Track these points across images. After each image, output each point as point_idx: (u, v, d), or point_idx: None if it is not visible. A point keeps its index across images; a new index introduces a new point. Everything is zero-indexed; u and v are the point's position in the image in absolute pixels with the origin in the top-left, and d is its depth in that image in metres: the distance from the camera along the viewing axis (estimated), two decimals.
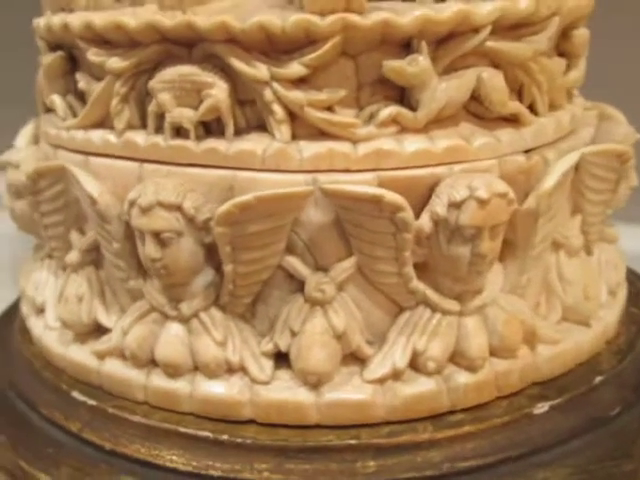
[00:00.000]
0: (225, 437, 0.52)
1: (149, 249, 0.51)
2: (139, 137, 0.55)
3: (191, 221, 0.51)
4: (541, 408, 0.54)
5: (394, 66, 0.50)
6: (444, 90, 0.51)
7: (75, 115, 0.60)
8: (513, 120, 0.54)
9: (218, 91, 0.52)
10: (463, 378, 0.53)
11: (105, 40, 0.55)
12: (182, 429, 0.53)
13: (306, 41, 0.50)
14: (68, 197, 0.59)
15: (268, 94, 0.51)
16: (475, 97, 0.53)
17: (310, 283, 0.51)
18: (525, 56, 0.53)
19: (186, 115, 0.53)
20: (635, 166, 0.64)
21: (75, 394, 0.58)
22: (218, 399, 0.53)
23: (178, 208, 0.51)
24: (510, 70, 0.54)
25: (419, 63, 0.50)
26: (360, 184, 0.50)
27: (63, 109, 0.61)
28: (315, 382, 0.52)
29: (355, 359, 0.53)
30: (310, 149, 0.51)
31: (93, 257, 0.59)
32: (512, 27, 0.53)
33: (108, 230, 0.55)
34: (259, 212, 0.49)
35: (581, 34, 0.59)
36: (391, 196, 0.49)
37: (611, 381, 0.57)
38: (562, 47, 0.59)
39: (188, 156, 0.53)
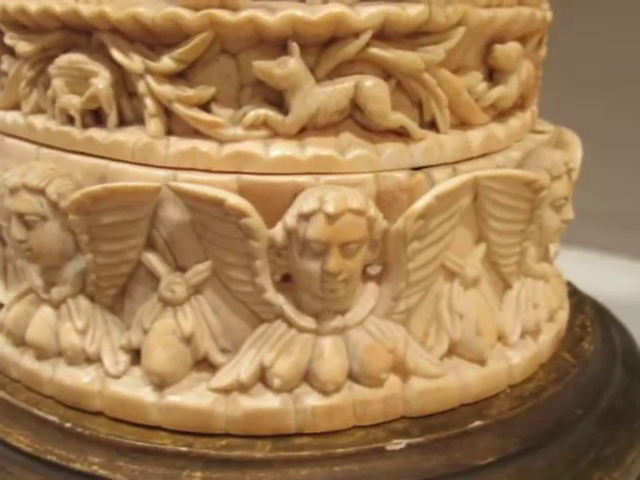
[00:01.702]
0: (68, 425, 0.52)
1: (14, 230, 0.52)
2: (38, 121, 0.56)
3: (55, 206, 0.51)
4: (396, 445, 0.50)
5: (262, 67, 0.48)
6: (315, 96, 0.48)
7: None
8: (404, 134, 0.51)
9: (100, 81, 0.52)
10: (313, 400, 0.50)
11: (19, 24, 0.56)
12: (36, 411, 0.53)
13: (179, 35, 0.49)
14: None
15: (142, 87, 0.50)
16: (359, 107, 0.50)
17: (163, 282, 0.50)
18: (414, 66, 0.49)
19: (73, 102, 0.53)
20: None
21: None
22: (70, 386, 0.53)
23: (41, 192, 0.51)
24: (405, 81, 0.51)
25: (288, 65, 0.48)
26: (218, 186, 0.48)
27: None
28: (158, 382, 0.51)
29: (209, 366, 0.52)
30: (176, 146, 0.50)
31: (1, 234, 0.61)
32: (406, 36, 0.49)
33: None
34: (111, 204, 0.49)
35: (505, 49, 0.54)
36: (234, 200, 0.47)
37: (493, 428, 0.52)
38: (488, 61, 0.55)
39: (71, 142, 0.54)
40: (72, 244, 0.53)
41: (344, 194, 0.47)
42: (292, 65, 0.48)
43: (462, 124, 0.54)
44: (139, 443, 0.50)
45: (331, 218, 0.46)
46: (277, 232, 0.48)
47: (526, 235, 0.55)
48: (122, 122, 0.53)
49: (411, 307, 0.52)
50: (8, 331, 0.56)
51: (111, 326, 0.54)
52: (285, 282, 0.51)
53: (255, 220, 0.47)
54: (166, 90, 0.50)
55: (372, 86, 0.49)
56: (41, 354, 0.55)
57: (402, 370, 0.52)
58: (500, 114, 0.57)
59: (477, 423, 0.52)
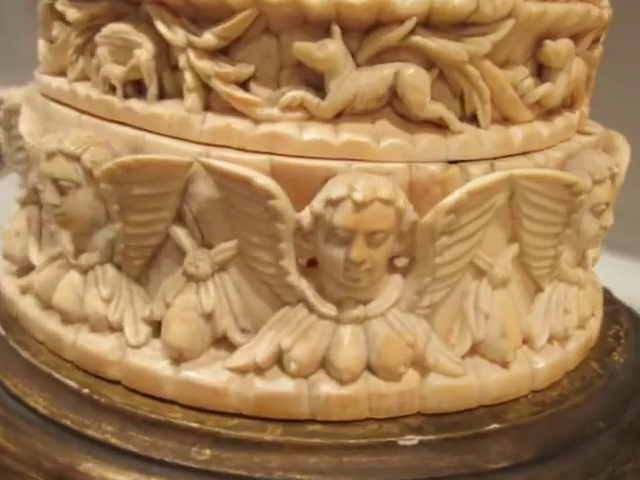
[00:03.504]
0: (86, 391, 0.52)
1: (48, 194, 0.53)
2: (81, 88, 0.57)
3: (89, 174, 0.52)
4: (409, 440, 0.49)
5: (302, 48, 0.47)
6: (353, 81, 0.48)
7: None
8: (442, 126, 0.50)
9: (142, 52, 0.52)
10: (328, 388, 0.50)
11: None
12: (55, 374, 0.54)
13: (223, 11, 0.49)
14: None
15: (182, 60, 0.50)
16: (399, 95, 0.49)
17: (188, 257, 0.50)
18: (457, 57, 0.48)
19: (115, 72, 0.54)
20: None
21: None
22: (91, 353, 0.54)
23: (77, 159, 0.52)
24: (448, 72, 0.49)
25: (328, 48, 0.47)
26: (250, 166, 0.48)
27: (43, 54, 0.63)
28: (176, 357, 0.51)
29: (229, 344, 0.52)
30: (211, 122, 0.50)
31: (39, 197, 0.62)
32: (452, 26, 0.48)
33: (36, 172, 0.57)
34: (142, 175, 0.49)
35: (555, 45, 0.52)
36: (262, 180, 0.46)
37: (509, 432, 0.51)
38: (537, 56, 0.53)
39: (111, 112, 0.54)
40: (103, 213, 0.53)
41: (374, 182, 0.46)
42: (332, 48, 0.47)
43: (504, 120, 0.52)
44: (152, 415, 0.50)
45: (358, 206, 0.45)
46: (304, 216, 0.48)
47: (561, 239, 0.54)
48: (163, 95, 0.53)
49: (436, 302, 0.51)
50: (37, 293, 0.57)
51: (135, 296, 0.54)
52: (310, 267, 0.50)
53: (282, 202, 0.47)
54: (205, 65, 0.49)
55: (412, 75, 0.48)
56: (65, 318, 0.56)
57: (421, 365, 0.51)
58: (546, 112, 0.55)
59: (493, 426, 0.51)
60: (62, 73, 0.60)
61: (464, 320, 0.53)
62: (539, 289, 0.56)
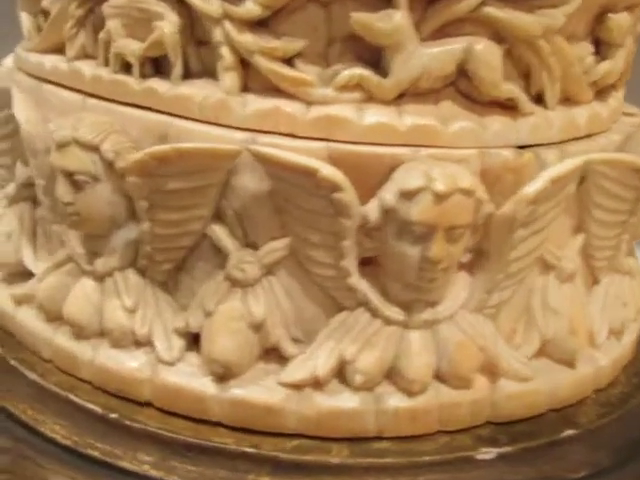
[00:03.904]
0: (114, 416, 0.46)
1: (60, 190, 0.45)
2: (86, 67, 0.49)
3: (110, 166, 0.45)
4: (486, 454, 0.45)
5: (362, 19, 0.42)
6: (421, 57, 0.42)
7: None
8: (510, 107, 0.45)
9: (166, 24, 0.45)
10: (396, 401, 0.45)
11: None
12: (73, 397, 0.47)
13: None
14: (17, 124, 0.54)
15: (218, 34, 0.44)
16: (466, 73, 0.44)
17: (232, 259, 0.44)
18: (533, 31, 0.43)
19: (131, 47, 0.47)
20: None
21: None
22: (116, 371, 0.47)
23: (95, 149, 0.44)
24: (516, 48, 0.45)
25: (392, 19, 0.42)
26: (305, 153, 0.42)
27: (28, 29, 0.55)
28: (221, 373, 0.45)
29: (278, 356, 0.46)
30: (255, 104, 0.44)
31: (31, 193, 0.54)
32: None
33: (34, 164, 0.49)
34: (179, 167, 0.43)
35: (618, 19, 0.48)
36: (329, 171, 0.41)
37: (585, 438, 0.48)
38: (596, 33, 0.49)
39: (128, 94, 0.47)
40: (124, 210, 0.47)
41: (453, 171, 0.41)
42: (398, 19, 0.42)
43: (566, 100, 0.48)
44: (197, 441, 0.44)
45: (439, 198, 0.40)
46: (371, 210, 0.42)
47: (626, 227, 0.50)
48: (186, 74, 0.46)
49: (503, 301, 0.47)
50: (40, 304, 0.50)
51: (163, 305, 0.47)
52: (365, 265, 0.45)
53: (349, 195, 0.41)
54: (247, 40, 0.43)
55: (484, 50, 0.43)
56: (80, 332, 0.48)
57: (491, 370, 0.46)
58: (600, 92, 0.51)
59: (568, 432, 0.47)
60: (57, 50, 0.52)
61: (530, 318, 0.48)
62: (595, 281, 0.52)
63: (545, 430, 0.47)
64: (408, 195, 0.41)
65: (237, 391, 0.45)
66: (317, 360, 0.44)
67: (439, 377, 0.46)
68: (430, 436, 0.46)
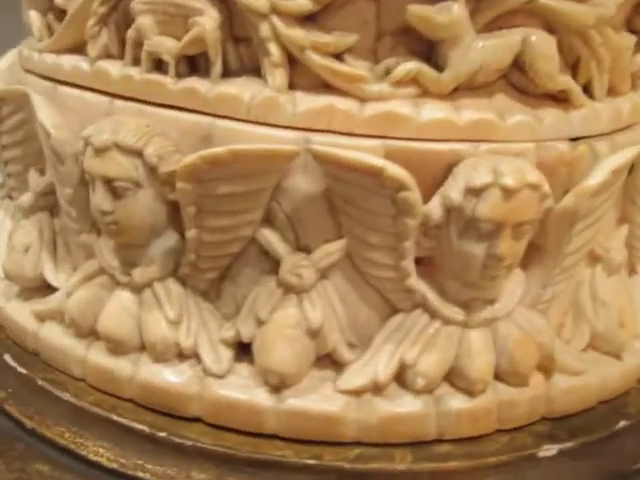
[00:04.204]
0: (163, 434, 0.43)
1: (99, 198, 0.43)
2: (112, 67, 0.47)
3: (153, 171, 0.42)
4: (548, 451, 0.44)
5: (420, 12, 0.40)
6: (479, 50, 0.41)
7: (52, 36, 0.52)
8: (561, 99, 0.44)
9: (207, 20, 0.43)
10: (458, 402, 0.44)
11: None
12: (116, 417, 0.45)
13: None
14: (30, 129, 0.51)
15: (265, 30, 0.42)
16: (519, 65, 0.43)
17: (286, 264, 0.42)
18: (586, 21, 0.43)
19: (167, 45, 0.44)
20: None
21: (7, 357, 0.50)
22: (161, 387, 0.44)
23: (138, 154, 0.42)
24: (566, 38, 0.44)
25: (451, 12, 0.40)
26: (362, 152, 0.40)
27: (39, 28, 0.52)
28: (277, 383, 0.43)
29: (332, 362, 0.44)
30: (306, 102, 0.42)
31: (50, 202, 0.51)
32: None
33: (61, 172, 0.46)
34: (233, 170, 0.41)
35: None
36: (394, 170, 0.39)
37: (636, 428, 0.47)
38: (633, 23, 0.49)
39: (163, 94, 0.44)
40: (164, 217, 0.44)
41: (520, 166, 0.40)
42: (456, 11, 0.41)
43: (609, 91, 0.48)
44: (256, 455, 0.42)
45: (509, 193, 0.39)
46: (434, 208, 0.41)
47: None
48: (223, 73, 0.44)
49: (556, 295, 0.46)
50: (71, 320, 0.47)
51: (207, 316, 0.45)
52: (419, 265, 0.44)
53: (415, 194, 0.40)
54: (298, 35, 0.41)
55: (541, 41, 0.42)
56: (118, 348, 0.46)
57: (546, 366, 0.46)
58: (634, 81, 0.51)
59: (621, 424, 0.47)
60: (74, 50, 0.49)
61: (578, 312, 0.48)
62: (634, 270, 0.52)
63: (599, 423, 0.47)
64: (475, 192, 0.40)
65: (294, 401, 0.43)
66: (377, 365, 0.43)
67: (497, 376, 0.45)
68: (489, 436, 0.45)
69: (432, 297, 0.43)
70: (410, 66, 0.42)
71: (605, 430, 0.46)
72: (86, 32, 0.47)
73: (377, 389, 0.43)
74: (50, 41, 0.50)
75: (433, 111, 0.42)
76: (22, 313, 0.51)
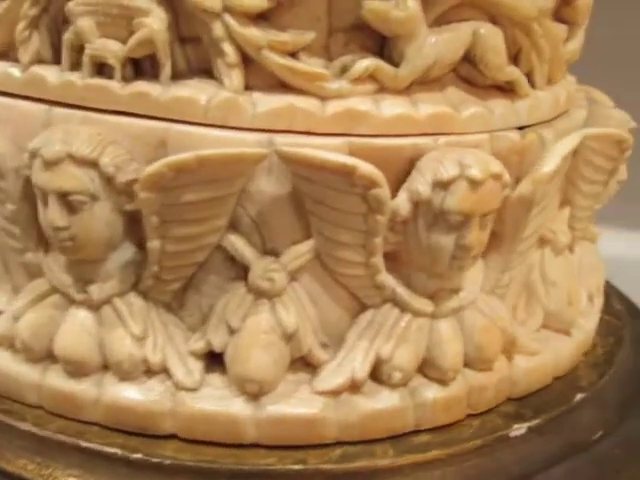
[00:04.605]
0: (138, 456, 0.41)
1: (53, 214, 0.40)
2: (49, 73, 0.44)
3: (109, 182, 0.40)
4: (518, 430, 0.46)
5: (376, 8, 0.40)
6: (434, 45, 0.42)
7: None
8: (507, 90, 0.46)
9: (154, 21, 0.41)
10: (432, 393, 0.44)
11: None
12: (84, 443, 0.42)
13: None
14: None
15: (218, 29, 0.41)
16: (468, 58, 0.44)
17: (256, 269, 0.41)
18: (529, 13, 0.44)
19: (111, 48, 0.42)
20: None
21: None
22: (132, 407, 0.42)
23: (94, 164, 0.40)
24: (509, 30, 0.45)
25: (408, 7, 0.41)
26: (327, 150, 0.40)
27: None
28: (255, 392, 0.42)
29: (304, 364, 0.44)
30: (266, 103, 0.41)
31: None
32: None
33: (1, 187, 0.43)
34: (199, 176, 0.39)
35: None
36: (366, 168, 0.39)
37: (591, 400, 0.50)
38: (562, 13, 0.51)
39: (111, 100, 0.42)
40: (120, 229, 0.42)
41: (482, 157, 0.41)
42: (412, 6, 0.41)
43: (547, 80, 0.49)
44: (240, 467, 0.41)
45: (476, 185, 0.40)
46: (402, 203, 0.41)
47: (601, 197, 0.53)
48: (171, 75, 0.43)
49: (512, 279, 0.48)
50: (23, 344, 0.44)
51: (171, 328, 0.44)
52: (386, 260, 0.44)
53: (386, 191, 0.40)
54: (254, 34, 0.40)
55: (490, 34, 0.43)
56: (78, 369, 0.43)
57: (508, 350, 0.47)
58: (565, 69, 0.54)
59: (579, 397, 0.49)
60: (2, 56, 0.46)
61: (530, 293, 0.50)
62: (571, 250, 0.55)
63: (558, 398, 0.49)
64: (443, 185, 0.40)
65: (273, 408, 0.42)
66: (353, 363, 0.43)
67: (465, 363, 0.46)
68: (462, 422, 0.46)
69: (401, 291, 0.43)
70: (368, 63, 0.41)
71: (565, 404, 0.49)
72: (16, 36, 0.44)
73: (354, 387, 0.43)
74: None
75: (392, 107, 0.42)
76: None
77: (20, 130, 0.44)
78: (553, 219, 0.50)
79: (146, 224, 0.41)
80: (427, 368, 0.44)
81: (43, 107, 0.44)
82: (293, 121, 0.41)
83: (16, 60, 0.45)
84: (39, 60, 0.45)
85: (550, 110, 0.48)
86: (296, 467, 0.41)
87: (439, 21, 0.43)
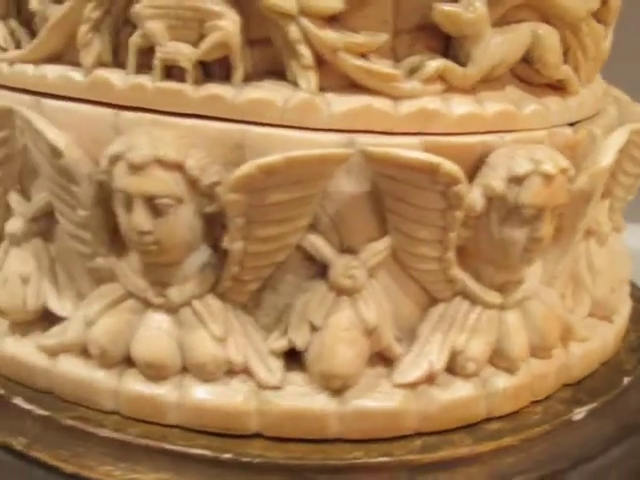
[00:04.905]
0: (228, 456, 0.42)
1: (138, 218, 0.40)
2: (115, 76, 0.44)
3: (193, 185, 0.41)
4: (578, 414, 0.48)
5: (448, 11, 0.42)
6: (499, 45, 0.43)
7: (19, 45, 0.48)
8: (558, 88, 0.48)
9: (229, 24, 0.41)
10: (502, 382, 0.46)
11: None
12: (169, 446, 0.42)
13: None
14: (10, 149, 0.46)
15: (294, 32, 0.41)
16: (524, 57, 0.46)
17: (337, 267, 0.42)
18: (579, 14, 0.46)
19: (184, 51, 0.42)
20: None
21: (18, 401, 0.45)
22: (217, 408, 0.43)
23: (179, 167, 0.40)
24: (560, 30, 0.47)
25: (477, 8, 0.42)
26: (403, 150, 0.41)
27: (3, 36, 0.47)
28: (339, 387, 0.43)
29: (380, 359, 0.45)
30: (343, 104, 0.42)
31: (42, 227, 0.47)
32: None
33: (74, 193, 0.43)
34: (287, 177, 0.40)
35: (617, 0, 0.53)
36: (449, 166, 0.40)
37: (637, 383, 0.52)
38: (598, 13, 0.53)
39: (183, 103, 0.42)
40: (199, 232, 0.42)
41: (552, 153, 0.43)
42: (480, 8, 0.42)
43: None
44: (328, 462, 0.42)
45: (549, 179, 0.42)
46: (477, 199, 0.42)
47: (632, 189, 0.55)
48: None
49: (564, 270, 0.50)
50: (101, 350, 0.44)
51: (249, 328, 0.44)
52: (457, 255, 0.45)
53: (465, 187, 0.41)
54: (330, 36, 0.41)
55: (549, 35, 0.45)
56: (158, 373, 0.43)
57: (565, 337, 0.49)
58: None
59: (626, 380, 0.52)
60: (54, 59, 0.46)
61: (577, 283, 0.52)
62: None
63: (608, 383, 0.51)
64: (518, 180, 0.42)
65: (357, 402, 0.43)
66: (430, 355, 0.44)
67: (530, 351, 0.47)
68: (526, 409, 0.47)
69: (471, 284, 0.45)
70: (438, 63, 0.43)
71: (615, 388, 0.51)
72: (78, 39, 0.44)
73: (430, 379, 0.44)
74: (27, 50, 0.46)
75: (461, 105, 0.43)
76: (25, 350, 0.46)
77: (85, 135, 0.43)
78: (598, 211, 0.52)
79: (230, 225, 0.41)
80: (496, 358, 0.46)
81: (110, 111, 0.43)
82: (370, 121, 0.42)
83: (72, 63, 0.45)
84: (100, 63, 0.45)
85: (592, 106, 0.50)
86: (384, 459, 0.42)
87: (499, 22, 0.45)
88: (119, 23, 0.45)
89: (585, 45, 0.48)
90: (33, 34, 0.48)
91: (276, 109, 0.42)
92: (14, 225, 0.46)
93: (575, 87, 0.48)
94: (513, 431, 0.45)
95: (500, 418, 0.46)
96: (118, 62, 0.45)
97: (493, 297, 0.45)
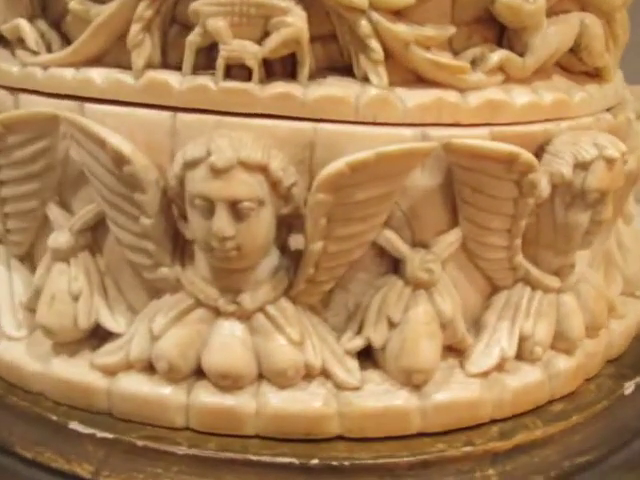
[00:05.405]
0: (316, 461, 0.41)
1: (221, 224, 0.38)
2: (171, 78, 0.41)
3: (275, 186, 0.39)
4: (628, 388, 0.50)
5: (510, 3, 0.42)
6: (554, 34, 0.44)
7: (49, 48, 0.45)
8: (594, 75, 0.49)
9: (297, 19, 0.40)
10: (563, 363, 0.47)
11: None
12: (253, 457, 0.41)
13: None
14: (51, 159, 0.43)
15: (365, 26, 0.40)
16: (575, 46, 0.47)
17: (413, 262, 0.42)
18: (615, 4, 0.48)
19: (250, 49, 0.40)
20: None
21: (75, 425, 0.43)
22: (298, 414, 0.42)
23: (263, 169, 0.38)
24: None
25: (537, 0, 0.42)
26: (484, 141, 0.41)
27: (35, 39, 0.44)
28: (421, 382, 0.43)
29: (450, 350, 0.45)
30: (414, 98, 0.42)
31: (89, 240, 0.44)
32: None
33: (138, 201, 0.41)
34: (374, 173, 0.39)
35: None
36: (526, 155, 0.41)
37: None
38: None
39: (250, 103, 0.41)
40: (273, 235, 0.41)
41: (611, 138, 0.44)
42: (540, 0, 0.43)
43: None
44: (416, 458, 0.42)
45: (612, 164, 0.43)
46: (544, 185, 0.43)
47: None
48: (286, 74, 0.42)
49: (600, 250, 0.51)
50: (170, 365, 0.42)
51: (321, 329, 0.43)
52: None
53: (539, 176, 0.42)
54: (402, 30, 0.41)
55: (595, 24, 0.46)
56: (235, 383, 0.42)
57: (609, 316, 0.51)
58: None
59: None
60: (94, 62, 0.43)
61: (609, 261, 0.54)
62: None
63: None
64: (584, 165, 0.43)
65: (438, 395, 0.43)
66: (500, 343, 0.45)
67: None
68: (582, 388, 0.49)
69: (533, 270, 0.46)
70: (500, 54, 0.43)
71: None
72: (129, 40, 0.41)
73: (500, 366, 0.45)
74: (65, 53, 0.43)
75: (522, 95, 0.44)
76: (77, 371, 0.44)
77: (139, 139, 0.41)
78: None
79: (311, 227, 0.40)
80: (556, 340, 0.47)
81: (166, 114, 0.41)
82: (441, 114, 0.42)
83: (116, 65, 0.43)
84: (149, 64, 0.42)
85: (621, 93, 0.52)
86: (467, 449, 0.43)
87: (549, 13, 0.45)
88: (167, 22, 0.42)
89: (617, 34, 0.50)
90: (63, 36, 0.45)
91: (349, 106, 0.41)
92: (58, 239, 0.43)
93: (611, 74, 0.49)
94: (576, 410, 0.47)
95: (561, 399, 0.47)
96: (166, 63, 0.43)
97: (552, 281, 0.46)
